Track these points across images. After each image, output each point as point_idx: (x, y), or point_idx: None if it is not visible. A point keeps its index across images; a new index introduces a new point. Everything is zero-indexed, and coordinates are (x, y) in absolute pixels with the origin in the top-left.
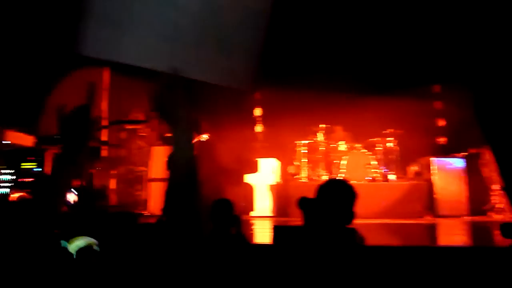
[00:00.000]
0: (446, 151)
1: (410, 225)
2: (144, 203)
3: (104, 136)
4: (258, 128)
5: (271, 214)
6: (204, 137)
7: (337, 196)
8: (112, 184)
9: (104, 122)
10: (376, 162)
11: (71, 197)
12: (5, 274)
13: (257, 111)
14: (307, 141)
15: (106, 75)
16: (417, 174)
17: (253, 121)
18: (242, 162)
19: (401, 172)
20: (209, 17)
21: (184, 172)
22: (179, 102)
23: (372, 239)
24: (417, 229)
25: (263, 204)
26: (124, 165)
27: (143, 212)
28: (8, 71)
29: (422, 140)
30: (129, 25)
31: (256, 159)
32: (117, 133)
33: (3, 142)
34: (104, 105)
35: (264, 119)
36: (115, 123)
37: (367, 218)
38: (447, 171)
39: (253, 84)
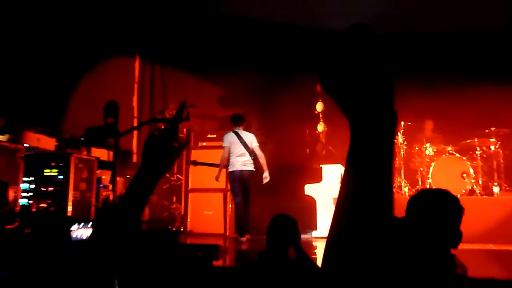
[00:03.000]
0: None
1: None
2: (181, 218)
3: (134, 137)
4: (320, 127)
5: None
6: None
7: (439, 211)
8: None
9: (135, 122)
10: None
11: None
12: None
13: (319, 106)
14: None
15: (136, 66)
16: None
17: (314, 118)
18: (301, 170)
19: (508, 182)
20: None
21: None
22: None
23: (475, 270)
24: None
25: (327, 222)
26: None
27: (181, 229)
28: (27, 63)
29: None
30: None
31: (319, 165)
32: (149, 134)
33: (24, 145)
34: (134, 101)
35: (328, 116)
36: (148, 122)
37: (466, 243)
38: None
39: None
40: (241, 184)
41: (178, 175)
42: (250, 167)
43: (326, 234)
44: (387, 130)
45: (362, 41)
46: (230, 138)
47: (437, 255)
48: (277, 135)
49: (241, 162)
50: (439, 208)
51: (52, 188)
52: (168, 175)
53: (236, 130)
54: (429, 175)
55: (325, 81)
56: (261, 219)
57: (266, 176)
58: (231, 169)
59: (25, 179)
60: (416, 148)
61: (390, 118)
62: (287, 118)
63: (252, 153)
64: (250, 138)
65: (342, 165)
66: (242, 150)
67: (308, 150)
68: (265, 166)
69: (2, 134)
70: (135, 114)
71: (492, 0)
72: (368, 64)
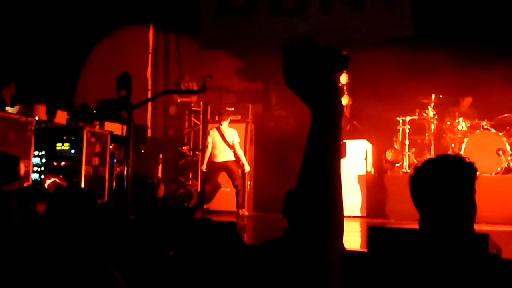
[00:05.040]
0: None
1: None
2: (198, 195)
3: (148, 111)
4: (345, 100)
5: (361, 214)
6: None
7: (442, 177)
8: (159, 171)
9: (149, 95)
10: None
11: None
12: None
13: (343, 78)
14: (412, 117)
15: (150, 36)
16: None
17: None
18: None
19: None
20: None
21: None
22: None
23: (510, 252)
24: None
25: (351, 201)
26: (173, 148)
27: (204, 206)
28: (32, 34)
29: None
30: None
31: (342, 141)
32: (164, 107)
33: (35, 118)
34: (148, 73)
35: (353, 88)
36: (162, 94)
37: (500, 224)
38: None
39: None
40: (221, 173)
41: (194, 150)
42: (231, 158)
43: (350, 212)
44: (331, 113)
45: (310, 51)
46: (212, 135)
47: (453, 232)
48: (298, 109)
49: (222, 154)
50: (442, 174)
51: (64, 163)
52: (184, 150)
53: (220, 126)
54: (462, 152)
55: (288, 82)
56: (280, 197)
57: (247, 168)
58: (212, 159)
59: (36, 153)
60: (448, 123)
61: (333, 105)
62: None
63: (232, 147)
64: (232, 136)
65: (368, 140)
66: (223, 146)
67: None
68: (244, 160)
69: (14, 105)
70: (149, 87)
71: None
72: (315, 68)
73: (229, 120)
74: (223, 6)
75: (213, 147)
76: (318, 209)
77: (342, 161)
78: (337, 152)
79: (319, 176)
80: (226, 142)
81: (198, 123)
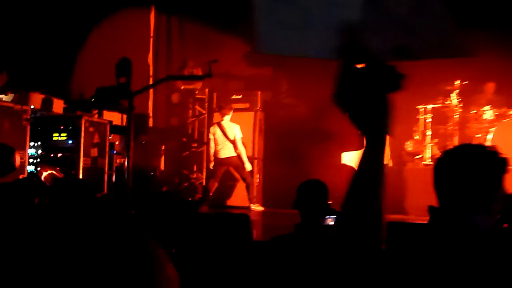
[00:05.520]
0: None
1: None
2: (202, 189)
3: (150, 99)
4: None
5: None
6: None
7: (475, 165)
8: (161, 163)
9: (150, 81)
10: None
11: None
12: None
13: None
14: (434, 106)
15: (151, 19)
16: None
17: None
18: (337, 135)
19: None
20: None
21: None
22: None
23: None
24: None
25: None
26: (176, 139)
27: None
28: (28, 17)
29: None
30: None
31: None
32: (167, 95)
33: (30, 107)
34: (149, 58)
35: None
36: (164, 80)
37: None
38: None
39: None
40: (226, 169)
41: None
42: (234, 153)
43: None
44: (383, 139)
45: (367, 64)
46: (213, 131)
47: (465, 225)
48: (309, 97)
49: (225, 150)
50: (470, 163)
51: (61, 154)
52: (188, 141)
53: (221, 122)
54: (488, 143)
55: (339, 103)
56: (291, 190)
57: (248, 166)
58: (216, 155)
59: (31, 144)
60: (474, 111)
61: (384, 131)
62: (321, 77)
63: (234, 143)
64: (234, 131)
65: None
66: (224, 142)
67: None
68: (245, 158)
69: (5, 93)
70: (151, 73)
71: None
72: (368, 85)
73: (231, 114)
74: (276, 16)
75: (216, 143)
76: (362, 229)
77: (358, 152)
78: (383, 173)
79: (366, 200)
80: (228, 138)
81: (203, 111)
